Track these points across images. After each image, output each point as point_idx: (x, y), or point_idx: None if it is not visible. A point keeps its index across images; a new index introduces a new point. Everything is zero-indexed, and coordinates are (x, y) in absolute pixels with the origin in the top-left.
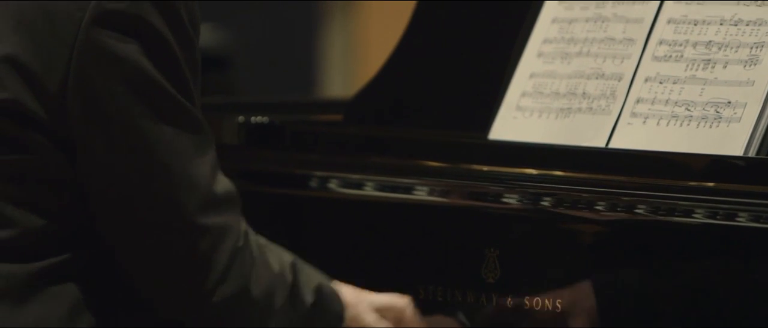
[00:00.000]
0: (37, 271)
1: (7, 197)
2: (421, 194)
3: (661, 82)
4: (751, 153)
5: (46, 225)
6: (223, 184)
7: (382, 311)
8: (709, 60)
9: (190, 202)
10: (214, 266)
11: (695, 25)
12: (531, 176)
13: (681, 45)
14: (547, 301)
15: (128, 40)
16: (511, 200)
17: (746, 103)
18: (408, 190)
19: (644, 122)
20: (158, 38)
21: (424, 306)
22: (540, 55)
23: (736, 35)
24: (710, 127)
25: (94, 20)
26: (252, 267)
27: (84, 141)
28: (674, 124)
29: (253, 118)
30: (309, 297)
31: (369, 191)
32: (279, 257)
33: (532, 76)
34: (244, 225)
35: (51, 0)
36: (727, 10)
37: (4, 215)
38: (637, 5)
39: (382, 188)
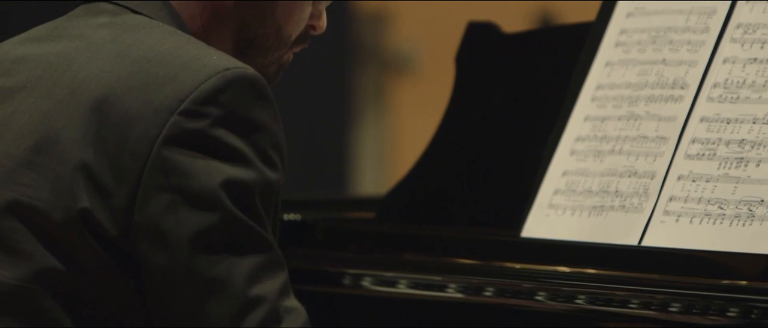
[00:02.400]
0: None
1: (63, 310)
2: (454, 292)
3: (693, 181)
4: None
5: None
6: (292, 306)
7: None
8: (742, 158)
9: (255, 324)
10: None
11: (728, 123)
12: (564, 273)
13: (714, 143)
14: None
15: (201, 158)
16: (544, 297)
17: None
18: (441, 288)
19: (677, 220)
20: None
21: None
22: (573, 152)
23: None
24: (743, 225)
25: (169, 138)
26: None
27: (147, 258)
28: (707, 223)
29: (285, 216)
30: None
31: (402, 288)
32: None
33: (564, 174)
34: None
35: (131, 113)
36: (760, 109)
37: (61, 326)
38: (670, 104)
39: (416, 286)
